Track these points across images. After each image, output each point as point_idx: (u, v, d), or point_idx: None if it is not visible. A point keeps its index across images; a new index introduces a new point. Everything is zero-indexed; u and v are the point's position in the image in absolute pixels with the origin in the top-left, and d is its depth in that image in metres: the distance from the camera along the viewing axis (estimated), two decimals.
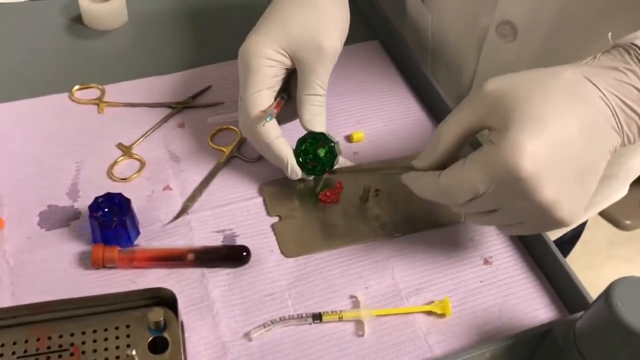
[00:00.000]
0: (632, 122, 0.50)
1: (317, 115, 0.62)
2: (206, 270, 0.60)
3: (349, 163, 0.69)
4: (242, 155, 0.69)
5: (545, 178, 0.47)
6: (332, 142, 0.63)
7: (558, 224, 0.50)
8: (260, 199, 0.65)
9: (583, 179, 0.49)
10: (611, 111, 0.49)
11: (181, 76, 0.75)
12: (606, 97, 0.49)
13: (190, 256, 0.59)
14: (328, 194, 0.66)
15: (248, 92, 0.60)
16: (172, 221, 0.62)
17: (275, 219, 0.64)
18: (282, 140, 0.61)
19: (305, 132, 0.63)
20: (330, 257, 0.61)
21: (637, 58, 0.50)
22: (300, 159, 0.63)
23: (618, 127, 0.50)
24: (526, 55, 0.71)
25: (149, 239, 0.61)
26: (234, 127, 0.71)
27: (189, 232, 0.62)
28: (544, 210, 0.48)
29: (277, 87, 0.62)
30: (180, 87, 0.74)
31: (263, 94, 0.60)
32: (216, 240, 0.62)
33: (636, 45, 0.50)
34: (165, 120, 0.71)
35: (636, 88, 0.50)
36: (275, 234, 0.62)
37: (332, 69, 0.63)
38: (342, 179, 0.65)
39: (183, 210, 0.63)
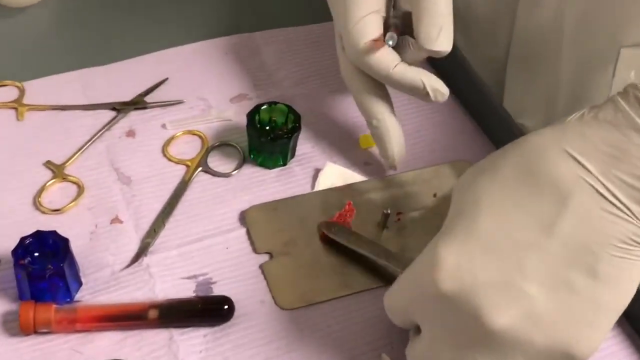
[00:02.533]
0: None
1: (442, 28, 0.60)
2: (175, 332, 0.58)
3: (356, 177, 0.68)
4: (212, 168, 0.67)
5: (486, 298, 0.45)
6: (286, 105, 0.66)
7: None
8: (242, 230, 0.64)
9: (572, 289, 0.45)
10: (605, 190, 0.46)
11: (127, 66, 0.75)
12: (593, 173, 0.46)
13: (153, 313, 0.57)
14: (337, 218, 0.64)
15: (351, 21, 0.61)
16: (127, 267, 0.61)
17: (265, 258, 0.62)
18: (405, 64, 0.62)
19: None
20: (341, 307, 0.60)
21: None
22: (262, 140, 0.65)
23: (624, 209, 0.46)
24: (566, 20, 0.71)
25: (95, 292, 0.59)
26: (199, 133, 0.70)
27: (149, 280, 0.60)
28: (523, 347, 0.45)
29: (384, 11, 0.62)
30: (127, 81, 0.73)
31: (370, 19, 0.61)
32: (187, 290, 0.60)
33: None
34: (108, 127, 0.70)
35: None
36: (265, 278, 0.61)
37: None
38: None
39: (140, 251, 0.62)
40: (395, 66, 0.62)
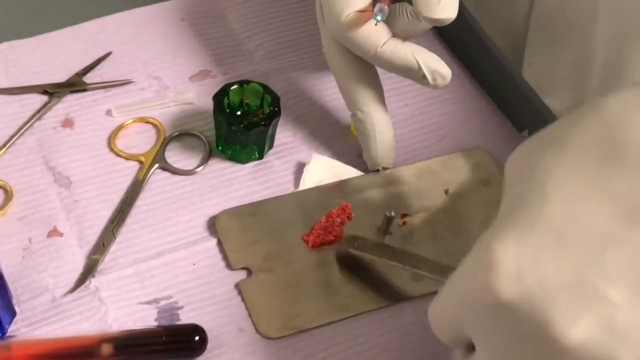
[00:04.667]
0: None
1: None
2: None
3: (349, 172, 0.67)
4: (172, 164, 0.67)
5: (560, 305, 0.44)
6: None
7: None
8: (213, 242, 0.64)
9: None
10: None
11: (60, 38, 0.74)
12: None
13: (107, 349, 0.57)
14: (324, 223, 0.64)
15: None
16: (70, 291, 0.61)
17: (242, 275, 0.62)
18: (396, 40, 0.62)
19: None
20: (336, 335, 0.60)
21: None
22: (233, 127, 0.65)
23: None
24: None
25: (32, 324, 0.59)
26: (154, 120, 0.69)
27: (99, 307, 0.60)
28: None
29: None
30: (60, 57, 0.73)
31: None
32: (147, 318, 0.60)
33: None
34: (39, 116, 0.69)
35: None
36: (243, 300, 0.61)
37: None
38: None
39: (87, 270, 0.61)
40: (385, 43, 0.61)
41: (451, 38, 0.75)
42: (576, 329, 0.43)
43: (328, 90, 0.71)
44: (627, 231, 0.43)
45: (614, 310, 0.43)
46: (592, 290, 0.43)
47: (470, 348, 0.49)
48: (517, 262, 0.44)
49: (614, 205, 0.44)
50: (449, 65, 0.71)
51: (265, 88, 0.67)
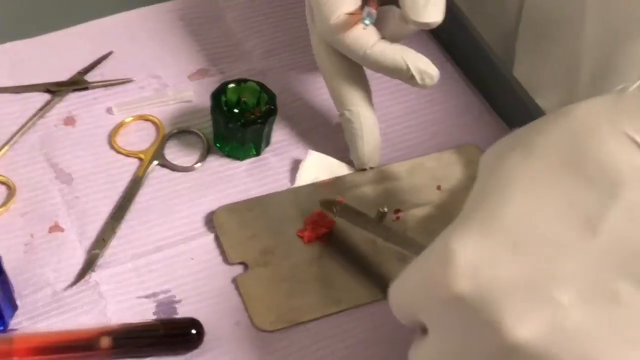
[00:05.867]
0: None
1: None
2: None
3: (344, 169, 0.68)
4: (171, 161, 0.67)
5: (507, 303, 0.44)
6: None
7: None
8: (210, 237, 0.64)
9: (616, 301, 0.44)
10: None
11: (62, 38, 0.74)
12: None
13: (105, 342, 0.57)
14: (316, 217, 0.64)
15: None
16: (71, 285, 0.61)
17: (239, 269, 0.62)
18: (385, 42, 0.62)
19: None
20: (331, 327, 0.60)
21: None
22: (231, 125, 0.65)
23: None
24: None
25: (33, 317, 0.59)
26: (153, 118, 0.69)
27: (99, 301, 0.60)
28: None
29: None
30: (62, 56, 0.73)
31: None
32: (145, 312, 0.60)
33: None
34: (41, 114, 0.69)
35: None
36: (240, 295, 0.61)
37: None
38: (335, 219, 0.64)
39: (87, 265, 0.61)
40: (374, 44, 0.62)
41: (443, 36, 0.75)
42: (525, 327, 0.43)
43: (323, 89, 0.70)
44: (581, 239, 0.44)
45: (563, 312, 0.44)
46: (543, 292, 0.44)
47: (425, 330, 0.49)
48: (474, 259, 0.44)
49: (571, 214, 0.44)
50: (441, 63, 0.71)
51: (262, 86, 0.67)
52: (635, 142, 0.44)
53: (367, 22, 0.60)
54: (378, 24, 0.62)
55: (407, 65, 0.62)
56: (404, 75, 0.62)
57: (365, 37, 0.61)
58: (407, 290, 0.49)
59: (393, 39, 0.62)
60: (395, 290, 0.51)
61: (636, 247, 0.44)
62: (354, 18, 0.61)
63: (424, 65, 0.62)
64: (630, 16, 0.70)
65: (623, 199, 0.44)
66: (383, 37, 0.62)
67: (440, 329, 0.48)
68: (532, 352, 0.44)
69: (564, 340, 0.44)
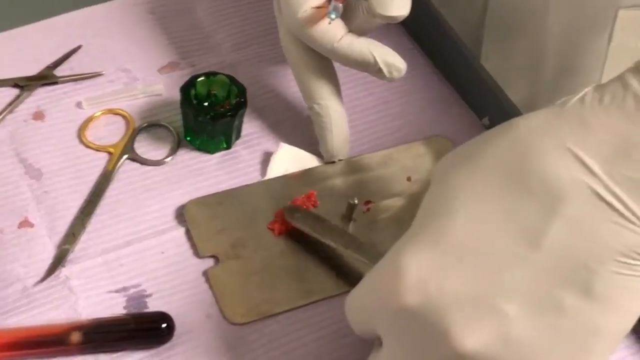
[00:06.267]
0: None
1: None
2: (104, 359, 0.57)
3: (315, 161, 0.68)
4: (141, 155, 0.67)
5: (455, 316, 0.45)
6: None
7: None
8: (181, 230, 0.64)
9: (560, 310, 0.45)
10: (608, 194, 0.44)
11: (31, 33, 0.74)
12: (595, 172, 0.45)
13: (76, 337, 0.57)
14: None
15: None
16: (41, 280, 0.60)
17: (209, 263, 0.62)
18: (352, 35, 0.62)
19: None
20: (302, 319, 0.60)
21: None
22: (200, 119, 0.65)
23: (629, 215, 0.44)
24: None
25: (3, 313, 0.58)
26: (123, 112, 0.69)
27: (69, 296, 0.60)
28: None
29: None
30: (31, 51, 0.72)
31: None
32: (116, 306, 0.60)
33: None
34: (10, 109, 0.69)
35: None
36: (211, 288, 0.61)
37: None
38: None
39: (57, 260, 0.61)
40: (341, 38, 0.62)
41: (414, 28, 0.75)
42: (472, 338, 0.44)
43: (293, 81, 0.70)
44: (525, 253, 0.45)
45: (509, 323, 0.44)
46: (490, 304, 0.44)
47: (381, 341, 0.50)
48: (422, 273, 0.45)
49: (516, 228, 0.45)
50: (411, 54, 0.71)
51: (232, 79, 0.66)
52: (577, 156, 0.45)
53: (332, 16, 0.60)
54: (346, 17, 0.62)
55: (375, 59, 0.62)
56: (371, 68, 0.62)
57: (333, 31, 0.61)
58: (361, 303, 0.50)
59: (361, 32, 0.62)
60: (351, 304, 0.52)
61: (578, 258, 0.45)
62: (320, 12, 0.61)
63: (391, 58, 0.62)
64: (590, 14, 0.71)
65: (565, 213, 0.44)
66: (351, 31, 0.62)
67: (394, 341, 0.49)
68: None
69: (511, 349, 0.45)
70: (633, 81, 0.45)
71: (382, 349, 0.50)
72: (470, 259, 0.45)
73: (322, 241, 0.61)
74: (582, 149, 0.45)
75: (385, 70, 0.62)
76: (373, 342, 0.53)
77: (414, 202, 0.65)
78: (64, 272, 0.61)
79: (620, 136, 0.44)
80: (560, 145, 0.45)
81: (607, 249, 0.44)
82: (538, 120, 0.47)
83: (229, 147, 0.67)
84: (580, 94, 0.47)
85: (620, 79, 0.46)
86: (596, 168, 0.44)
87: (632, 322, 0.46)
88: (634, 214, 0.44)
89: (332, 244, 0.61)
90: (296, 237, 0.63)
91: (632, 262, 0.45)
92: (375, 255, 0.58)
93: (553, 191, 0.45)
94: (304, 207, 0.63)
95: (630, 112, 0.45)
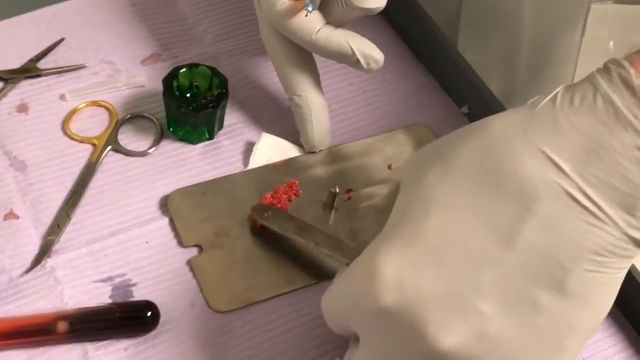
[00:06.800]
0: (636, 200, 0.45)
1: None
2: (90, 347, 0.57)
3: (297, 151, 0.68)
4: (124, 146, 0.67)
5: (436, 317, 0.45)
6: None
7: None
8: (165, 220, 0.64)
9: (534, 308, 0.45)
10: (579, 193, 0.45)
11: (13, 26, 0.74)
12: (566, 172, 0.45)
13: (62, 326, 0.57)
14: (270, 200, 0.64)
15: None
16: (27, 271, 0.60)
17: (193, 252, 0.62)
18: (330, 27, 0.62)
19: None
20: (284, 306, 0.61)
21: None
22: (182, 109, 0.65)
23: (601, 215, 0.45)
24: None
25: None
26: (106, 104, 0.69)
27: (55, 286, 0.60)
28: None
29: None
30: (14, 44, 0.72)
31: None
32: (101, 295, 0.60)
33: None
34: None
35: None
36: (195, 277, 0.61)
37: None
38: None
39: (42, 251, 0.61)
40: (319, 30, 0.62)
41: (395, 18, 0.75)
42: (449, 336, 0.45)
43: (275, 72, 0.71)
44: (500, 252, 0.45)
45: (485, 321, 0.45)
46: (466, 303, 0.45)
47: (358, 339, 0.50)
48: (398, 273, 0.46)
49: (490, 228, 0.45)
50: (392, 44, 0.72)
51: (214, 70, 0.67)
52: (549, 157, 0.45)
53: (309, 8, 0.60)
54: (324, 9, 0.62)
55: (352, 50, 0.62)
56: (349, 59, 0.63)
57: (311, 23, 0.62)
58: (337, 302, 0.51)
59: (339, 24, 0.63)
60: (327, 302, 0.52)
61: (551, 257, 0.45)
62: (298, 4, 0.61)
63: (368, 50, 0.62)
64: (563, 7, 0.71)
65: (537, 212, 0.45)
66: (329, 23, 0.62)
67: (371, 339, 0.49)
68: (456, 359, 0.45)
69: (487, 347, 0.45)
70: (602, 82, 0.45)
71: (359, 347, 0.50)
72: (446, 259, 0.46)
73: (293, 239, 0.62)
74: (553, 150, 0.45)
75: (363, 61, 0.63)
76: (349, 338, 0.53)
77: (395, 190, 0.65)
78: (49, 262, 0.61)
79: (591, 137, 0.45)
80: (533, 146, 0.46)
81: (579, 248, 0.45)
82: (510, 121, 0.47)
83: (211, 137, 0.68)
84: (552, 94, 0.47)
85: (590, 79, 0.46)
86: (568, 169, 0.45)
87: (603, 317, 0.47)
88: (604, 213, 0.45)
89: (302, 242, 0.61)
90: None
91: (604, 259, 0.45)
92: (347, 252, 0.59)
93: (526, 191, 0.45)
94: (273, 204, 0.63)
95: (599, 113, 0.45)
